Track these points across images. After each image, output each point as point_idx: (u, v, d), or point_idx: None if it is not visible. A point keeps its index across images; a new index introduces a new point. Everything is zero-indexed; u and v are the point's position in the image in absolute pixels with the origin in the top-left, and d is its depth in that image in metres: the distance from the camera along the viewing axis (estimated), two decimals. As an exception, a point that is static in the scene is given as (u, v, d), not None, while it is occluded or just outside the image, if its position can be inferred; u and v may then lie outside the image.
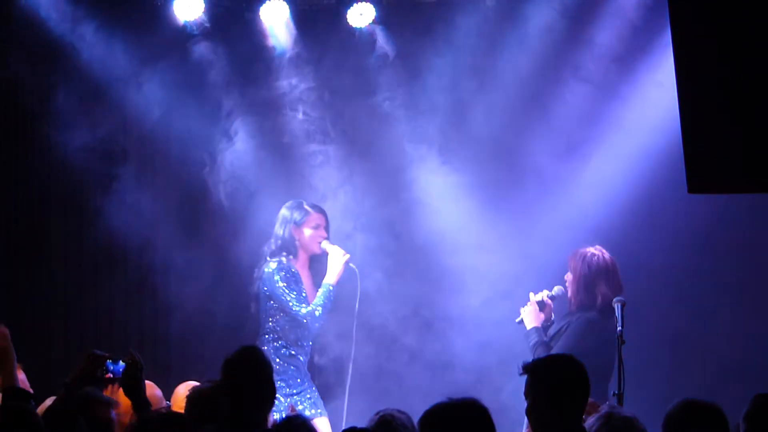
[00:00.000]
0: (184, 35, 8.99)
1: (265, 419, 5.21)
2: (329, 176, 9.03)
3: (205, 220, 9.16)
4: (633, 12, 8.79)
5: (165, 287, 8.99)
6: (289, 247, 8.07)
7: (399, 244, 9.04)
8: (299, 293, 7.99)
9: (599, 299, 7.38)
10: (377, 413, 5.18)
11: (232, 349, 5.27)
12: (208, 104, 9.06)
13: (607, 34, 8.85)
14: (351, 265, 8.10)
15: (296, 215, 8.11)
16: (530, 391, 4.93)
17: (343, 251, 8.09)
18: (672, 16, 6.29)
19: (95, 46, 8.88)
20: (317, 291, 8.03)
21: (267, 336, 8.02)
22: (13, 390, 5.25)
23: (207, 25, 9.02)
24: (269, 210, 8.49)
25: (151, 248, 8.97)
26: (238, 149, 8.99)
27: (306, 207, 8.16)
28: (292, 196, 8.42)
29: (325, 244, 8.12)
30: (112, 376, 5.39)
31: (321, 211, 8.19)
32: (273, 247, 8.11)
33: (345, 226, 8.80)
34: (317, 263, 8.18)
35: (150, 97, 8.97)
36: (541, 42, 8.93)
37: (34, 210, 9.08)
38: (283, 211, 8.16)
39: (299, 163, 9.13)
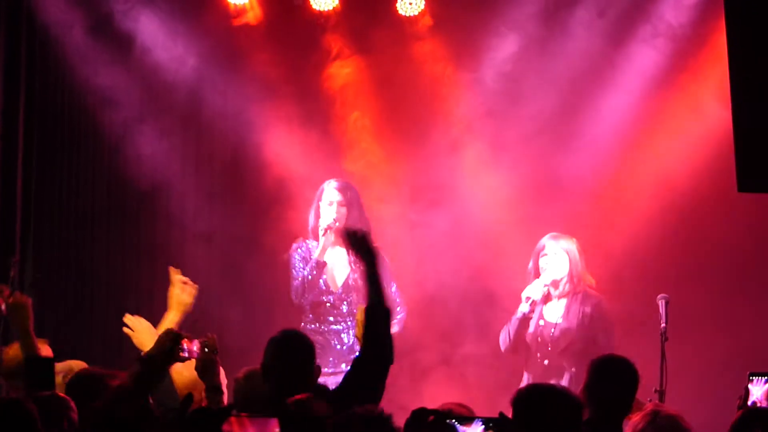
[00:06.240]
0: (232, 19, 9.02)
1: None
2: (380, 160, 9.02)
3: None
4: (688, 6, 8.74)
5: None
6: None
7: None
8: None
9: None
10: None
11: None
12: (252, 88, 9.07)
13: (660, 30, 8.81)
14: None
15: None
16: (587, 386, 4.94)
17: None
18: (727, 12, 6.27)
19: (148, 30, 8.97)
20: None
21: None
22: (36, 360, 5.04)
23: (255, 9, 9.04)
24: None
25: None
26: (282, 135, 9.01)
27: None
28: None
29: None
30: (187, 355, 5.22)
31: None
32: None
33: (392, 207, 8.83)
34: None
35: (196, 79, 9.05)
36: (594, 31, 8.88)
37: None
38: None
39: (347, 149, 9.11)
